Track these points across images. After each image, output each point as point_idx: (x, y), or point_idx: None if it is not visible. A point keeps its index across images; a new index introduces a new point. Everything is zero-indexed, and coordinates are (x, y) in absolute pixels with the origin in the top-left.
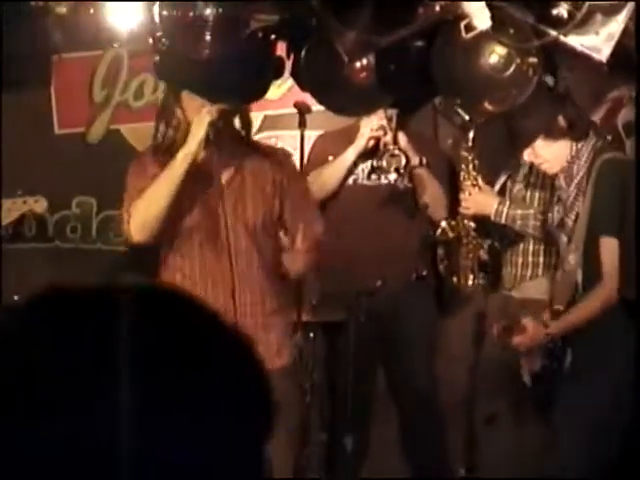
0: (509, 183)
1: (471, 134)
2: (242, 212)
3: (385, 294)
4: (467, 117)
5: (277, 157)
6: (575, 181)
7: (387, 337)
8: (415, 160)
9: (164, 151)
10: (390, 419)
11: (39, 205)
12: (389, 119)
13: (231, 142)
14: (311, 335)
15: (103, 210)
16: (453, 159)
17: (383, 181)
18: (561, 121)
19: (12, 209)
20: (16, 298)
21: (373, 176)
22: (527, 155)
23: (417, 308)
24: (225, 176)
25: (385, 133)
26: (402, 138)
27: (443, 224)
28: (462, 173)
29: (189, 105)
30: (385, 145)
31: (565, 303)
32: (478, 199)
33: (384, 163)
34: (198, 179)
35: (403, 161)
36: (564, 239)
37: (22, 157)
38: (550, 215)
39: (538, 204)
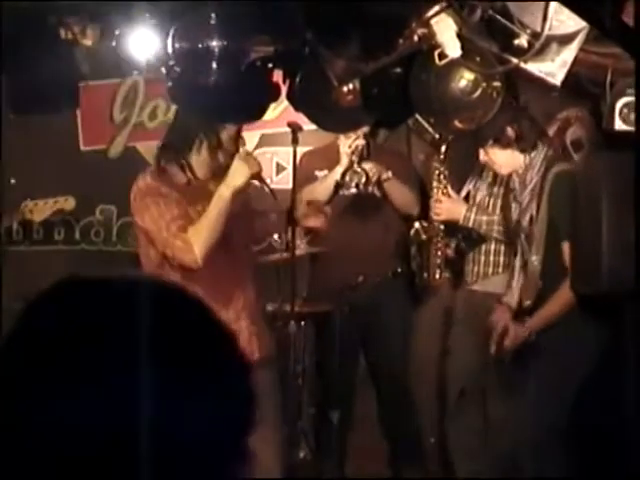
0: (473, 190)
1: (443, 148)
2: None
3: (366, 288)
4: (437, 135)
5: None
6: (529, 187)
7: (367, 326)
8: (384, 174)
9: (172, 172)
10: (370, 396)
11: (68, 203)
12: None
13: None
14: (302, 324)
15: (122, 217)
16: (423, 171)
17: (362, 191)
18: (510, 131)
19: (45, 208)
20: None
21: (351, 190)
22: (481, 155)
23: (393, 300)
24: None
25: (353, 153)
26: (373, 155)
27: (417, 225)
28: (434, 182)
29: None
30: (350, 164)
31: (532, 299)
32: (448, 206)
33: (347, 179)
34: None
35: (363, 178)
36: (523, 239)
37: (52, 170)
38: (507, 216)
39: (500, 210)
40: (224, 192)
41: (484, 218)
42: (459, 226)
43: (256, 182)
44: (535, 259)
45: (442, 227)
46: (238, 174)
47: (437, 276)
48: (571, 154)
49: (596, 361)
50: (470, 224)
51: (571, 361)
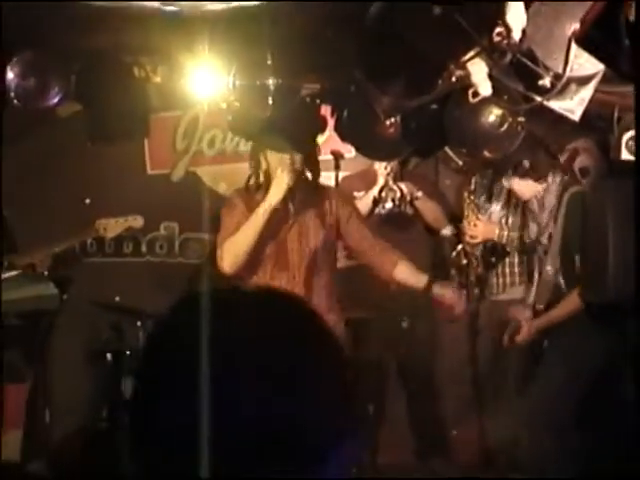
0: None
1: (473, 180)
2: (305, 240)
3: (400, 297)
4: (460, 163)
5: (331, 192)
6: (547, 209)
7: (400, 331)
8: (415, 193)
9: (252, 191)
10: (400, 394)
11: (137, 222)
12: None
13: (299, 187)
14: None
15: (183, 232)
16: (449, 194)
17: (393, 209)
18: (526, 163)
19: (116, 226)
20: (117, 299)
21: (387, 205)
22: (506, 184)
23: (424, 309)
24: (292, 214)
25: (388, 174)
26: (405, 178)
27: (459, 248)
28: (466, 210)
29: (272, 158)
30: (386, 182)
31: (545, 303)
32: (483, 229)
33: (383, 195)
34: (273, 218)
35: (398, 194)
36: (541, 253)
37: (122, 191)
38: (526, 233)
39: (519, 229)
40: (260, 211)
41: (514, 234)
42: (487, 244)
43: None
44: (550, 269)
45: (477, 253)
46: (272, 195)
47: (474, 292)
48: (579, 179)
49: (601, 361)
50: (504, 241)
51: (579, 360)
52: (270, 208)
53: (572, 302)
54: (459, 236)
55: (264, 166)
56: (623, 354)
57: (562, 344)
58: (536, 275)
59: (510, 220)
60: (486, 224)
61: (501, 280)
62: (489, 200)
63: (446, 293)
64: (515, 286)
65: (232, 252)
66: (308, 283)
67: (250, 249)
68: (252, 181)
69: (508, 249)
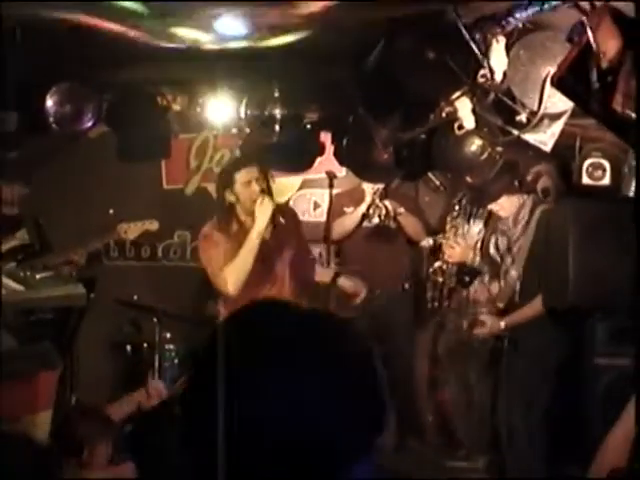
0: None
1: (456, 207)
2: (284, 255)
3: (381, 299)
4: (438, 183)
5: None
6: (521, 224)
7: (381, 328)
8: (398, 210)
9: (225, 224)
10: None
11: (153, 225)
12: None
13: None
14: None
15: (194, 240)
16: (427, 210)
17: (379, 223)
18: (516, 183)
19: (135, 229)
20: (135, 298)
21: (374, 220)
22: (492, 206)
23: (401, 310)
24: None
25: (375, 193)
26: (390, 195)
27: (436, 265)
28: (448, 233)
29: (240, 190)
30: (373, 200)
31: (505, 302)
32: (459, 252)
33: (371, 211)
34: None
35: (384, 211)
36: (508, 261)
37: (141, 204)
38: (493, 242)
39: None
40: (253, 235)
41: (477, 259)
42: (462, 265)
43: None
44: (514, 274)
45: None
46: (260, 220)
47: (445, 304)
48: (540, 198)
49: (559, 357)
50: (475, 264)
51: (541, 356)
52: (261, 231)
53: (535, 306)
54: (437, 253)
55: (232, 199)
56: (581, 352)
57: (526, 344)
58: (501, 279)
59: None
60: (463, 248)
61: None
62: (468, 222)
63: (347, 285)
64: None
65: (235, 275)
66: (294, 291)
67: (249, 270)
68: (221, 216)
69: (479, 270)
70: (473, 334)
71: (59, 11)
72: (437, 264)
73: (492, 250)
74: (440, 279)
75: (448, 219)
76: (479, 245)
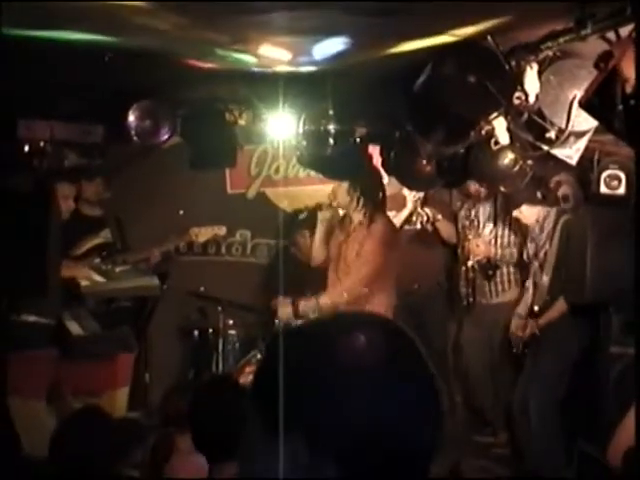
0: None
1: (473, 210)
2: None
3: (419, 293)
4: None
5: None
6: (545, 232)
7: (416, 319)
8: (437, 216)
9: None
10: None
11: (221, 230)
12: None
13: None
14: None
15: (254, 238)
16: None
17: (418, 226)
18: (539, 195)
19: (206, 233)
20: (202, 289)
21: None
22: (515, 212)
23: (436, 304)
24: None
25: (416, 200)
26: (428, 202)
27: (469, 264)
28: (470, 233)
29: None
30: (415, 207)
31: (541, 305)
32: (483, 249)
33: (413, 218)
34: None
35: (425, 218)
36: (537, 266)
37: (207, 206)
38: (525, 249)
39: (506, 245)
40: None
41: (506, 252)
42: (487, 260)
43: None
44: (545, 279)
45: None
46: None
47: (477, 299)
48: (563, 209)
49: (579, 346)
50: (498, 258)
51: (562, 346)
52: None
53: (560, 306)
54: (466, 254)
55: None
56: (597, 342)
57: (549, 335)
58: (530, 285)
59: (504, 240)
60: (486, 244)
61: (493, 288)
62: (487, 224)
63: None
64: (505, 292)
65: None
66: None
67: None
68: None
69: (500, 264)
70: (514, 335)
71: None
72: (469, 263)
73: (524, 256)
74: (471, 274)
75: (467, 223)
76: (499, 242)
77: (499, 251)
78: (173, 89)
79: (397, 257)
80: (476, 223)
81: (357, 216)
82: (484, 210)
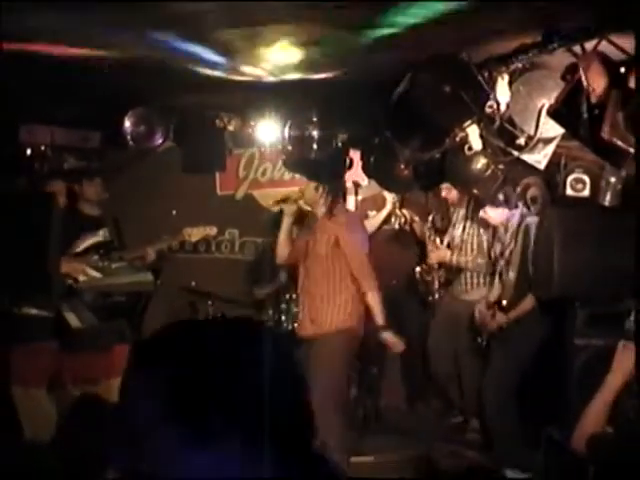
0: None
1: (430, 217)
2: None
3: (397, 288)
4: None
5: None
6: (510, 231)
7: (396, 313)
8: (413, 217)
9: None
10: (396, 360)
11: (213, 231)
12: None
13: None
14: None
15: (242, 237)
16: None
17: (396, 226)
18: (501, 197)
19: (198, 233)
20: (193, 284)
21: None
22: (481, 213)
23: (411, 297)
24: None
25: (395, 202)
26: (405, 204)
27: (418, 269)
28: (427, 240)
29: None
30: (394, 208)
31: (507, 300)
32: (437, 254)
33: (392, 219)
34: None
35: (402, 219)
36: (502, 264)
37: (198, 206)
38: (493, 249)
39: (472, 248)
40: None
41: (461, 258)
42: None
43: None
44: (511, 276)
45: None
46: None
47: (436, 296)
48: (529, 206)
49: (546, 338)
50: (453, 263)
51: (530, 337)
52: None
53: (529, 301)
54: (424, 256)
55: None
56: (563, 334)
57: (517, 327)
58: (496, 280)
59: (468, 246)
60: (439, 251)
61: (462, 287)
62: (453, 227)
63: (389, 339)
64: (469, 292)
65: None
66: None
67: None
68: None
69: (462, 267)
70: (481, 325)
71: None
72: (418, 269)
73: (492, 254)
74: (428, 278)
75: (429, 226)
76: (461, 247)
77: (456, 257)
78: (166, 97)
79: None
80: (442, 227)
81: (320, 211)
82: (457, 215)
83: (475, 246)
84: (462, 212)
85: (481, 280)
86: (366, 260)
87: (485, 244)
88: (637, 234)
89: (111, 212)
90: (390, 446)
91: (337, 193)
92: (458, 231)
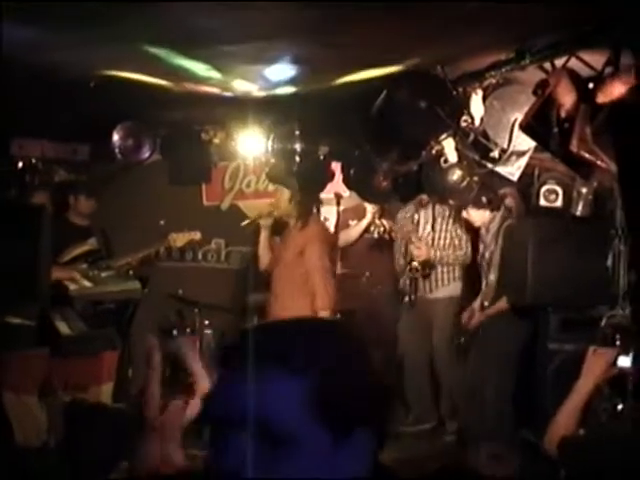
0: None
1: (415, 215)
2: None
3: (380, 295)
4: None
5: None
6: (491, 233)
7: (377, 319)
8: (393, 227)
9: None
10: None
11: (197, 235)
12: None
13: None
14: (338, 315)
15: (228, 246)
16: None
17: (378, 237)
18: (484, 199)
19: (183, 238)
20: (180, 292)
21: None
22: (464, 214)
23: (392, 303)
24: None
25: (375, 213)
26: (385, 214)
27: (414, 264)
28: (412, 238)
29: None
30: (374, 218)
31: (489, 301)
32: (424, 252)
33: (372, 228)
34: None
35: (382, 228)
36: (485, 265)
37: (185, 216)
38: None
39: (445, 244)
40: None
41: (443, 253)
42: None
43: None
44: (492, 277)
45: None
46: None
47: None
48: (511, 215)
49: (520, 343)
50: (437, 260)
51: (504, 342)
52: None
53: (503, 303)
54: (410, 255)
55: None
56: (537, 339)
57: (492, 332)
58: (484, 282)
59: (442, 242)
60: (427, 247)
61: (428, 285)
62: (426, 227)
63: None
64: (439, 288)
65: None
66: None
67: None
68: None
69: (438, 264)
70: (466, 324)
71: (126, 70)
72: (414, 264)
73: (447, 253)
74: (414, 275)
75: (411, 227)
76: (432, 244)
77: (438, 253)
78: (153, 111)
79: (331, 259)
80: (417, 226)
81: (293, 221)
82: (425, 214)
83: (448, 241)
84: (430, 214)
85: (451, 276)
86: (325, 277)
87: (457, 239)
88: (607, 243)
89: (100, 223)
90: None
91: (310, 205)
92: (426, 232)
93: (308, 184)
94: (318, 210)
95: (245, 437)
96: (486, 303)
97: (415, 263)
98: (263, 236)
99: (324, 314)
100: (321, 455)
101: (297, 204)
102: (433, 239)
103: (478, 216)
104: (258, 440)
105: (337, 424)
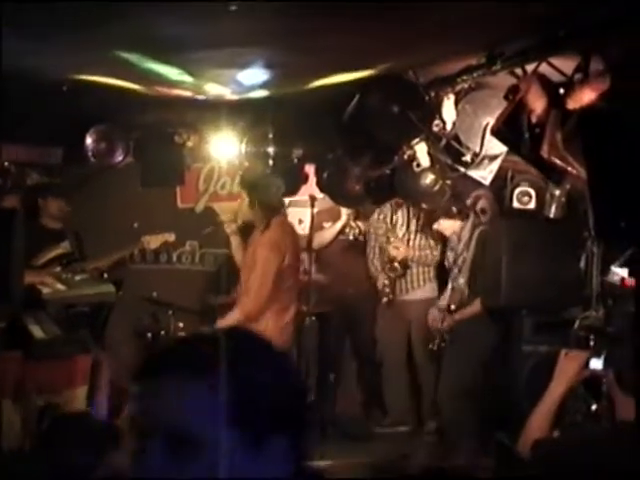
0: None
1: (394, 217)
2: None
3: (354, 297)
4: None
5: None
6: (463, 241)
7: (353, 321)
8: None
9: None
10: (352, 366)
11: (171, 237)
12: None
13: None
14: (313, 319)
15: (202, 248)
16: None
17: (352, 239)
18: (454, 209)
19: (157, 240)
20: (155, 294)
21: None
22: (435, 225)
23: (369, 305)
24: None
25: (349, 215)
26: (359, 217)
27: (394, 264)
28: (391, 239)
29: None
30: (348, 220)
31: (457, 304)
32: (402, 251)
33: (347, 230)
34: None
35: (356, 230)
36: (455, 271)
37: (160, 218)
38: (446, 256)
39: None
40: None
41: (422, 253)
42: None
43: None
44: (462, 282)
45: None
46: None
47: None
48: (479, 217)
49: (494, 345)
50: (415, 259)
51: (479, 344)
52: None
53: (476, 305)
54: (388, 255)
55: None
56: (511, 341)
57: (467, 335)
58: (449, 286)
59: (417, 242)
60: (405, 247)
61: (404, 286)
62: (402, 227)
63: None
64: (415, 289)
65: None
66: None
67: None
68: None
69: (415, 264)
70: (432, 327)
71: (98, 74)
72: (395, 264)
73: (425, 253)
74: (392, 274)
75: (389, 228)
76: (407, 244)
77: (416, 253)
78: (126, 114)
79: (291, 265)
80: (394, 227)
81: (256, 225)
82: (401, 215)
83: (424, 241)
84: (405, 215)
85: (426, 277)
86: (262, 284)
87: (432, 240)
88: (580, 245)
89: (73, 226)
90: (346, 451)
91: (273, 208)
92: (401, 233)
93: (262, 190)
94: (284, 214)
95: (156, 441)
96: (453, 306)
97: (396, 263)
98: (234, 241)
99: (237, 316)
100: (232, 459)
101: (261, 209)
102: (409, 240)
103: (448, 225)
104: (167, 443)
105: (246, 428)
